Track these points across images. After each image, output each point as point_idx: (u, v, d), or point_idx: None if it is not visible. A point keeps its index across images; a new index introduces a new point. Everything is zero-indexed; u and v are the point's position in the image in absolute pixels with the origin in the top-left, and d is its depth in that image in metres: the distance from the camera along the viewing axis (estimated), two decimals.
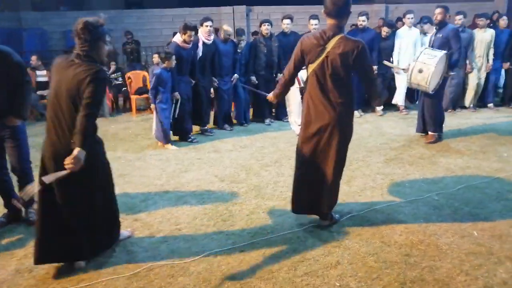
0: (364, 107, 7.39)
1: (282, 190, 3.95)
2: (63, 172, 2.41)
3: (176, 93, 5.53)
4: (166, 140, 5.54)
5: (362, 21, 6.97)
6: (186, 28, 5.43)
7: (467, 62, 7.15)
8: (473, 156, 4.86)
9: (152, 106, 5.53)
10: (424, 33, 7.17)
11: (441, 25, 5.43)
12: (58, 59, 2.63)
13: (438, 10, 5.39)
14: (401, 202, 3.64)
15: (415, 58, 5.19)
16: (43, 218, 2.62)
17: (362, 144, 5.47)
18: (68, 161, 2.37)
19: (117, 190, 3.03)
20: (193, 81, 5.91)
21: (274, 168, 4.59)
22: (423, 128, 5.64)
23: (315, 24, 6.41)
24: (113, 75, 8.17)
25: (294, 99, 5.38)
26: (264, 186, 4.11)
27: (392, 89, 7.54)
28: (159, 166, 4.78)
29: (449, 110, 7.20)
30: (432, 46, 5.39)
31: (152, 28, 11.91)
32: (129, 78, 8.13)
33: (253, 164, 4.78)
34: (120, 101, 8.54)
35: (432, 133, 5.50)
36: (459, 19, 6.74)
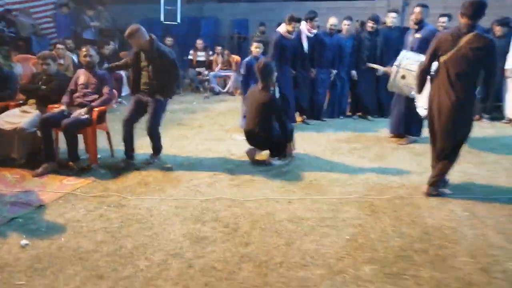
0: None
1: (352, 173, 4.43)
2: None
3: None
4: None
5: (442, 22, 6.36)
6: (292, 19, 5.72)
7: None
8: None
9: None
10: None
11: (420, 25, 5.20)
12: None
13: (417, 9, 5.16)
14: None
15: (397, 64, 4.95)
16: None
17: None
18: None
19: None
20: (294, 72, 6.17)
21: (359, 152, 5.05)
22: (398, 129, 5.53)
23: (443, 22, 6.33)
24: None
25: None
26: (335, 165, 4.63)
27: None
28: None
29: None
30: (411, 48, 5.13)
31: None
32: None
33: (343, 147, 5.28)
34: None
35: (410, 136, 5.39)
36: None
